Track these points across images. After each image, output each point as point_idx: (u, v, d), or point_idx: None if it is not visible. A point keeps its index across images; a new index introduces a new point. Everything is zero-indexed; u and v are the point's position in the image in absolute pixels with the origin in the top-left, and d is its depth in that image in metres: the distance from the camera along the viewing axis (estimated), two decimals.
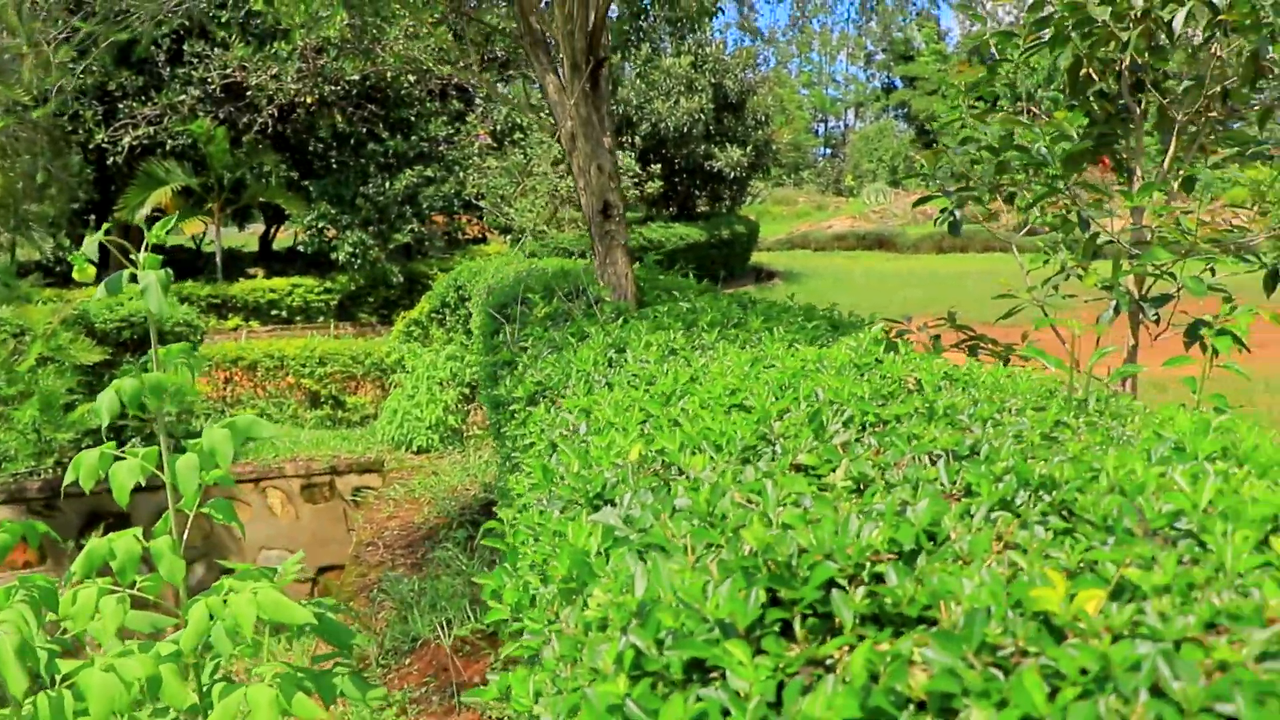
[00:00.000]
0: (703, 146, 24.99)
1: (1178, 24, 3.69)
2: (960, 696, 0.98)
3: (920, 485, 1.44)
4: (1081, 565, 1.21)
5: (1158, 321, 3.90)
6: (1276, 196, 3.88)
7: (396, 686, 5.51)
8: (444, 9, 6.48)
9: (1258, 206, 4.19)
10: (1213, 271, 3.94)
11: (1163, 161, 4.16)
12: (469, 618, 5.93)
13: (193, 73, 19.88)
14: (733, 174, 25.44)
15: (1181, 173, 4.18)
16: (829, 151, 64.46)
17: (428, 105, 21.48)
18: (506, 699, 1.54)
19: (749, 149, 25.61)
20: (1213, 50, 3.95)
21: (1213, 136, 4.23)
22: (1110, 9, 3.84)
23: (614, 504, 1.71)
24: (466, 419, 11.32)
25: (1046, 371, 2.12)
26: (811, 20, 73.85)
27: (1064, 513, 1.38)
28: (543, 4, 5.79)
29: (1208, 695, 0.92)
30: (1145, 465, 1.42)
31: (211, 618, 2.29)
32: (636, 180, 22.70)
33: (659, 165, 24.13)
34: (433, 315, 12.52)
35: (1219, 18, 3.68)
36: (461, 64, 7.61)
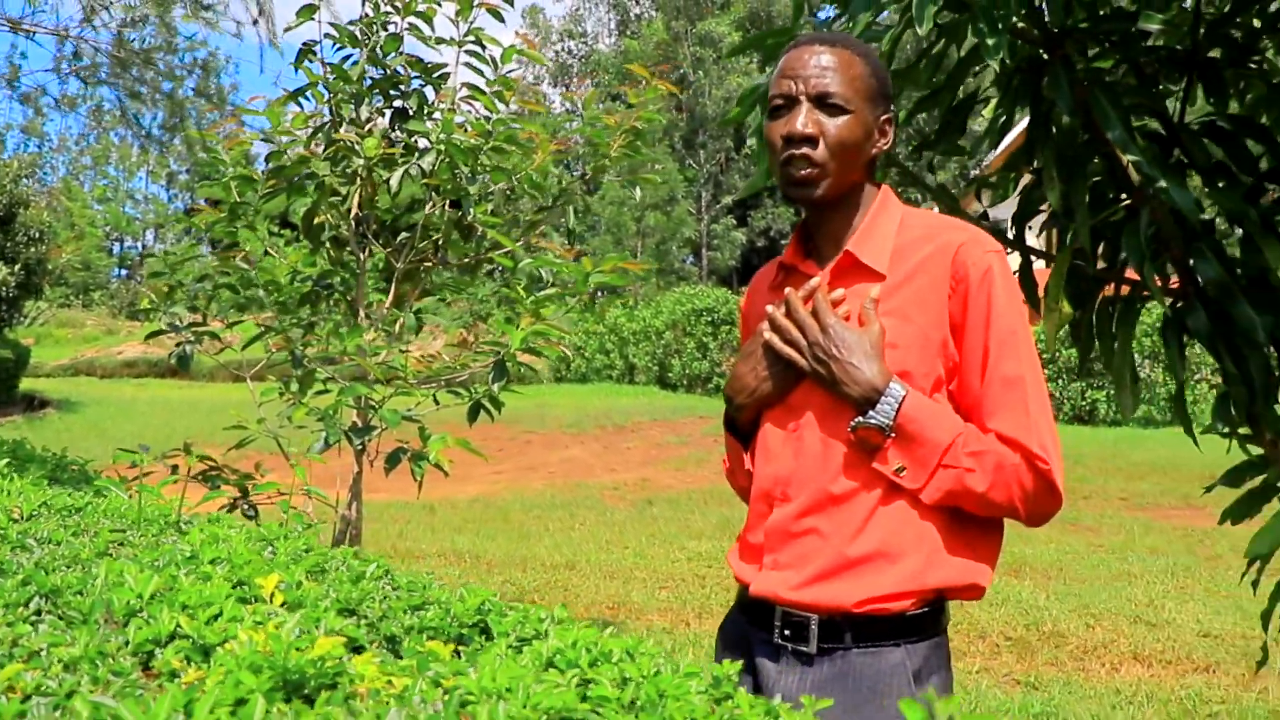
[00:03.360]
0: None
1: (394, 183, 4.20)
2: None
3: None
4: (40, 648, 1.56)
5: (364, 450, 4.31)
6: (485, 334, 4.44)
7: None
8: None
9: (475, 345, 4.79)
10: (436, 401, 4.44)
11: (386, 303, 4.64)
12: None
13: None
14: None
15: (400, 314, 4.64)
16: (124, 273, 60.46)
17: None
18: None
19: (19, 267, 23.43)
20: (427, 208, 4.51)
21: (434, 282, 4.81)
22: (333, 166, 4.26)
23: None
24: None
25: (131, 496, 2.48)
26: (109, 132, 69.84)
27: (63, 612, 1.73)
28: None
29: None
30: (138, 570, 1.82)
31: None
32: None
33: None
34: None
35: (427, 181, 4.27)
36: None
